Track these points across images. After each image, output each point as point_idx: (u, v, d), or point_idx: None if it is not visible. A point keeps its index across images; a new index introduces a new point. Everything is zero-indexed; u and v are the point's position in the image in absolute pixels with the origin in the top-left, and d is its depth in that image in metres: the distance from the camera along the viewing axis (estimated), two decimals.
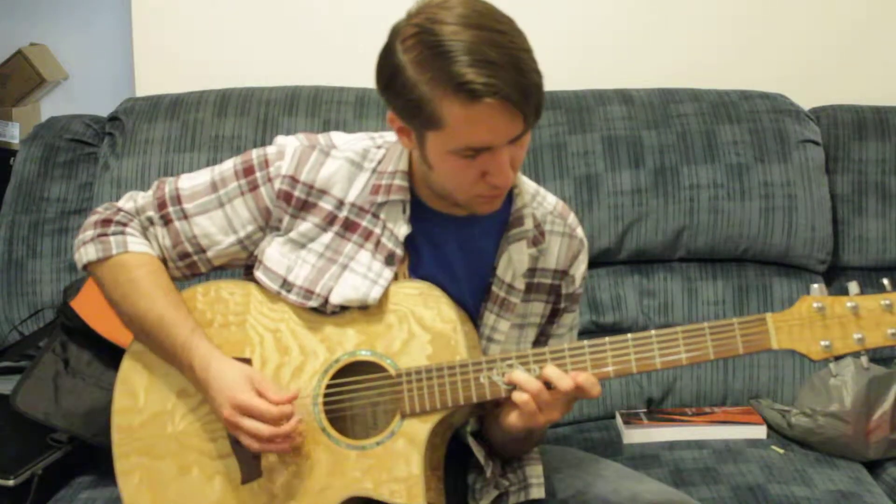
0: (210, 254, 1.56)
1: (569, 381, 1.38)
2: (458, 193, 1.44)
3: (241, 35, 2.57)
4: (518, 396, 1.40)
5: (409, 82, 1.34)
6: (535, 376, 1.41)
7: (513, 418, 1.45)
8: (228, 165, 1.56)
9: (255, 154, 1.55)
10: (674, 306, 2.28)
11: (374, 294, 1.49)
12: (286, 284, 1.52)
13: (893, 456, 2.06)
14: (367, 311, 1.50)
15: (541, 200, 1.61)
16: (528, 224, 1.56)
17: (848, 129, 2.38)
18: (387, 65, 1.37)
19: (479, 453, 1.54)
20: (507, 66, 1.30)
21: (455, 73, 1.30)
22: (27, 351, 2.13)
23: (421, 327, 1.48)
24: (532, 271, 1.58)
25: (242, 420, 1.44)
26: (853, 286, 1.38)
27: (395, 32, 1.37)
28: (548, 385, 1.40)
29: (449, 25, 1.31)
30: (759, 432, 2.10)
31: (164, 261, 1.57)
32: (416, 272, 1.53)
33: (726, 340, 1.39)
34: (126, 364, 1.59)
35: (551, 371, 1.40)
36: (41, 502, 1.85)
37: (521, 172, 1.59)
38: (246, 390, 1.45)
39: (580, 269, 1.63)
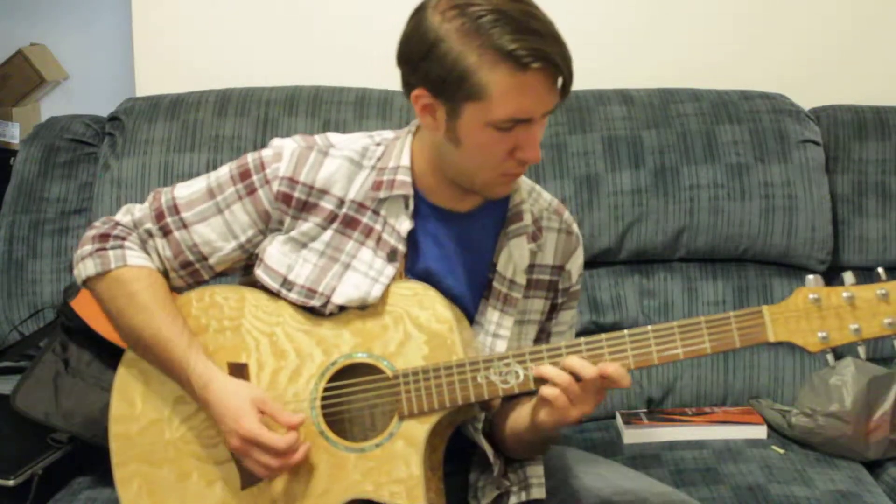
0: (212, 261, 1.56)
1: (593, 370, 1.38)
2: (483, 172, 1.44)
3: (241, 35, 2.57)
4: (549, 391, 1.39)
5: (451, 52, 1.35)
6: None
7: (544, 415, 1.43)
8: (224, 171, 1.56)
9: (250, 158, 1.54)
10: (674, 306, 2.28)
11: (375, 293, 1.49)
12: (287, 283, 1.52)
13: (893, 456, 2.06)
14: (362, 312, 1.50)
15: (536, 197, 1.62)
16: (527, 219, 1.56)
17: (848, 129, 2.38)
18: (422, 37, 1.38)
19: (488, 451, 1.54)
20: (549, 36, 1.36)
21: (504, 41, 1.33)
22: (27, 351, 2.13)
23: (416, 328, 1.48)
24: (530, 267, 1.58)
25: (251, 451, 1.44)
26: (848, 276, 1.37)
27: (427, 6, 1.38)
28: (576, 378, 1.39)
29: None
30: (760, 432, 2.10)
31: (165, 272, 1.57)
32: (416, 267, 1.54)
33: (722, 334, 1.39)
34: (122, 371, 1.58)
35: (574, 361, 1.39)
36: (41, 502, 1.85)
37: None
38: (251, 417, 1.44)
39: (577, 264, 1.63)
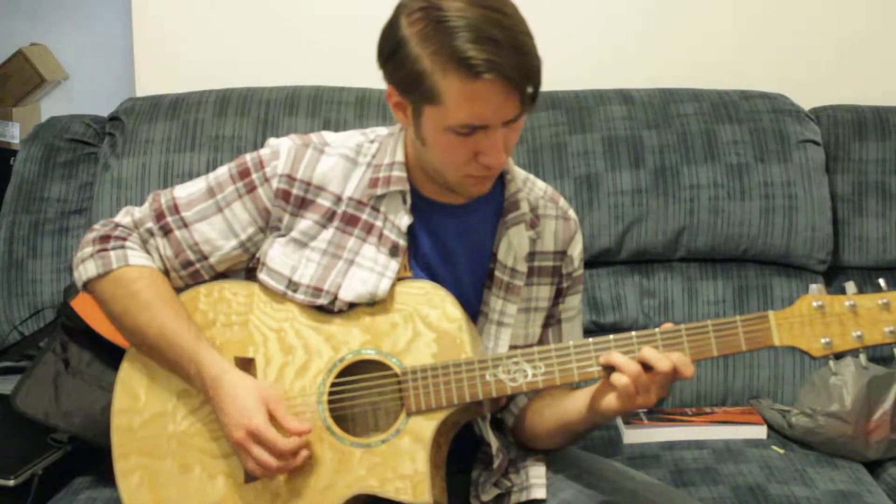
0: (213, 260, 1.56)
1: (667, 361, 1.38)
2: (449, 172, 1.45)
3: (241, 35, 2.57)
4: (618, 379, 1.39)
5: (411, 55, 1.36)
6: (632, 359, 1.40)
7: (610, 401, 1.43)
8: (223, 170, 1.57)
9: (248, 157, 1.55)
10: (674, 306, 2.28)
11: (383, 286, 1.49)
12: (292, 284, 1.52)
13: (893, 456, 2.06)
14: (372, 309, 1.50)
15: (531, 186, 1.63)
16: (524, 207, 1.57)
17: (848, 129, 2.38)
18: (390, 37, 1.39)
19: (493, 444, 1.54)
20: (509, 46, 1.33)
21: (457, 48, 1.32)
22: (27, 351, 2.13)
23: (426, 326, 1.48)
24: (531, 255, 1.59)
25: (253, 447, 1.44)
26: (850, 286, 1.40)
27: (401, 7, 1.39)
28: (645, 367, 1.39)
29: (455, 2, 1.34)
30: (759, 432, 2.10)
31: (166, 272, 1.57)
32: (418, 261, 1.54)
33: (729, 337, 1.41)
34: (126, 364, 1.58)
35: (649, 353, 1.39)
36: (41, 502, 1.85)
37: (512, 163, 1.60)
38: (260, 414, 1.44)
39: (577, 248, 1.65)
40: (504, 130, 1.39)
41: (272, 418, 1.46)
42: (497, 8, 1.35)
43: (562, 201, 1.65)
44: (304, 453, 1.45)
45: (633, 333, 1.42)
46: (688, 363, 1.39)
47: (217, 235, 1.55)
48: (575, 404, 1.52)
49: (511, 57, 1.32)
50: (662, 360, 1.38)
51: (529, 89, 1.35)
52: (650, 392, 1.40)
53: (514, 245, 1.56)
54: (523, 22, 1.37)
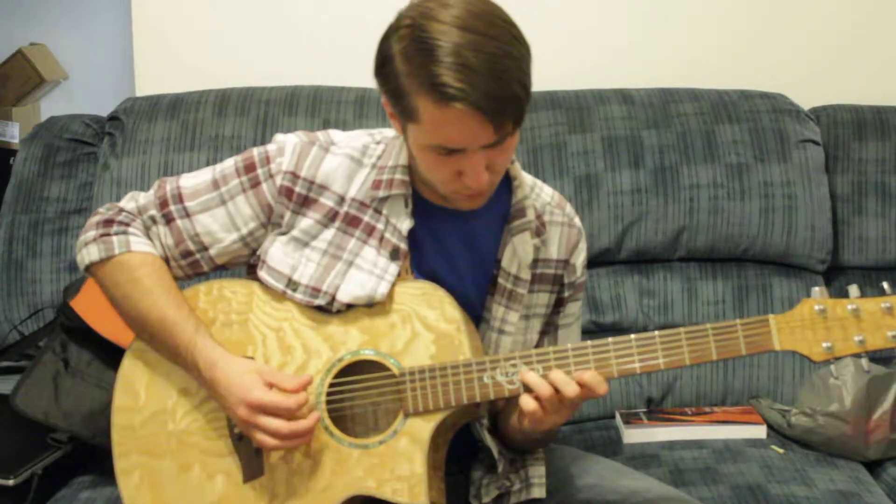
0: (212, 252, 1.56)
1: (574, 386, 1.39)
2: (438, 186, 1.46)
3: (241, 35, 2.57)
4: (525, 403, 1.40)
5: (394, 72, 1.36)
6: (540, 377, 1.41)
7: (517, 420, 1.45)
8: (229, 163, 1.57)
9: (255, 151, 1.55)
10: (674, 306, 2.28)
11: (382, 290, 1.49)
12: (291, 283, 1.52)
13: (893, 456, 2.06)
14: (371, 310, 1.50)
15: (538, 192, 1.62)
16: (530, 215, 1.57)
17: (848, 129, 2.38)
18: (382, 50, 1.39)
19: (494, 448, 1.54)
20: (486, 73, 1.30)
21: (432, 72, 1.31)
22: (27, 351, 2.13)
23: (424, 327, 1.48)
24: (535, 262, 1.59)
25: (260, 419, 1.44)
26: (853, 289, 1.38)
27: (396, 20, 1.38)
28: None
29: (440, 24, 1.32)
30: (759, 432, 2.10)
31: (166, 260, 1.57)
32: (419, 266, 1.54)
33: (729, 341, 1.40)
34: (127, 362, 1.58)
35: (558, 377, 1.40)
36: (41, 502, 1.85)
37: (521, 168, 1.59)
38: (258, 386, 1.44)
39: (580, 257, 1.64)
40: (486, 152, 1.37)
41: (271, 388, 1.46)
42: (483, 31, 1.31)
43: (568, 208, 1.65)
44: (313, 415, 1.44)
45: (633, 337, 1.42)
46: (601, 382, 1.39)
47: (218, 228, 1.55)
48: (506, 416, 1.53)
49: (487, 86, 1.29)
50: (569, 385, 1.39)
51: (505, 117, 1.33)
52: (559, 413, 1.42)
53: (518, 252, 1.56)
54: (513, 43, 1.33)
